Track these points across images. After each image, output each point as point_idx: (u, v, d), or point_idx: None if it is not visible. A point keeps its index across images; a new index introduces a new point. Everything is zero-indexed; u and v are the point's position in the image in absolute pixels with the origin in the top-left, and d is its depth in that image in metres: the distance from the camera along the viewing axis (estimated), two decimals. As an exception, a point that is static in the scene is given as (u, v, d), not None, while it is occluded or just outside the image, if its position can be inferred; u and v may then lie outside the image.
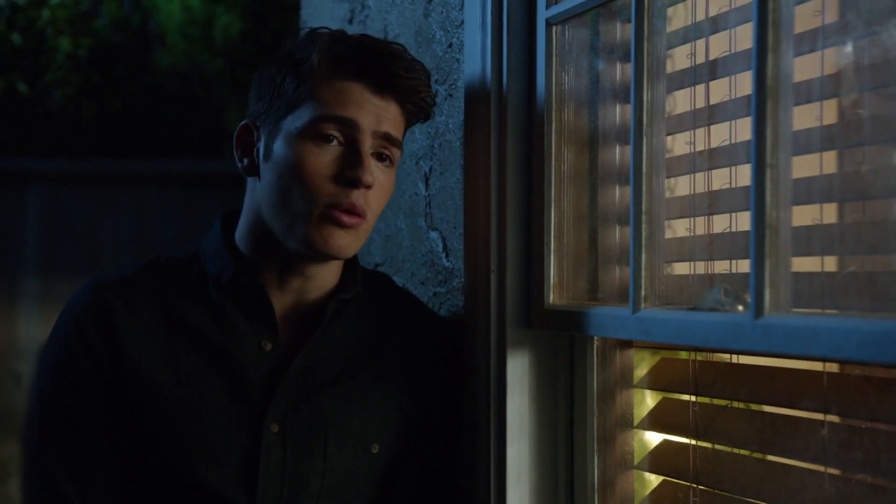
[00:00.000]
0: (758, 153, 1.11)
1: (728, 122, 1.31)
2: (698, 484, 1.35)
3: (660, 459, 1.46)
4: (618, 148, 1.55)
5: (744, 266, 1.27)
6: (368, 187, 1.51)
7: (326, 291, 1.62)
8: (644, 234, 1.34)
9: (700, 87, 1.37)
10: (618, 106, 1.56)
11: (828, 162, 1.15)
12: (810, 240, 1.14)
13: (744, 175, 1.28)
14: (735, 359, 1.35)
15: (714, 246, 1.33)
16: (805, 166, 1.15)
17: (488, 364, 1.62)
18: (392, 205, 2.06)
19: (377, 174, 1.54)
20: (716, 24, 1.34)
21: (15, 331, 4.42)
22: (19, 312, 4.43)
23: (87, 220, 4.54)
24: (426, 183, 1.91)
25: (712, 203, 1.33)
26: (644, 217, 1.34)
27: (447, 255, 1.82)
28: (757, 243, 1.11)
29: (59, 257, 4.49)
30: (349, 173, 1.50)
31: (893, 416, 1.08)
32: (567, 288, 1.57)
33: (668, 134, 1.41)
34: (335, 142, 1.52)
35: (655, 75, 1.36)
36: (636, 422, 1.53)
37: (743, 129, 1.28)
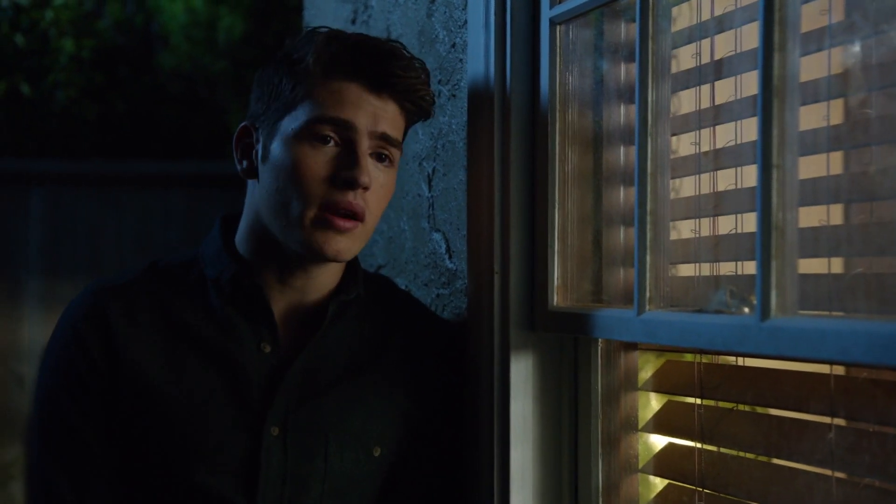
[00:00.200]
0: (764, 153, 1.10)
1: (734, 123, 1.31)
2: (704, 488, 1.34)
3: (665, 463, 1.45)
4: (622, 148, 1.55)
5: (750, 268, 1.26)
6: (365, 188, 1.50)
7: (327, 293, 1.61)
8: (649, 235, 1.33)
9: (705, 87, 1.36)
10: (622, 106, 1.55)
11: (835, 162, 1.14)
12: (817, 241, 1.13)
13: (750, 176, 1.27)
14: (741, 361, 1.34)
15: (720, 247, 1.32)
16: (812, 167, 1.15)
17: (491, 366, 1.61)
18: (395, 206, 2.05)
19: (376, 174, 1.53)
20: (721, 24, 1.33)
21: (17, 332, 4.41)
22: (22, 313, 4.42)
23: (90, 221, 4.53)
24: (429, 184, 1.90)
25: (718, 204, 1.32)
26: (649, 218, 1.33)
27: (450, 257, 1.81)
28: (763, 245, 1.10)
29: (62, 258, 4.48)
30: (345, 174, 1.49)
31: (902, 419, 1.07)
32: (571, 290, 1.56)
33: (673, 134, 1.40)
34: (332, 142, 1.51)
35: (660, 75, 1.35)
36: (641, 425, 1.52)
37: (749, 130, 1.28)
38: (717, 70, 1.33)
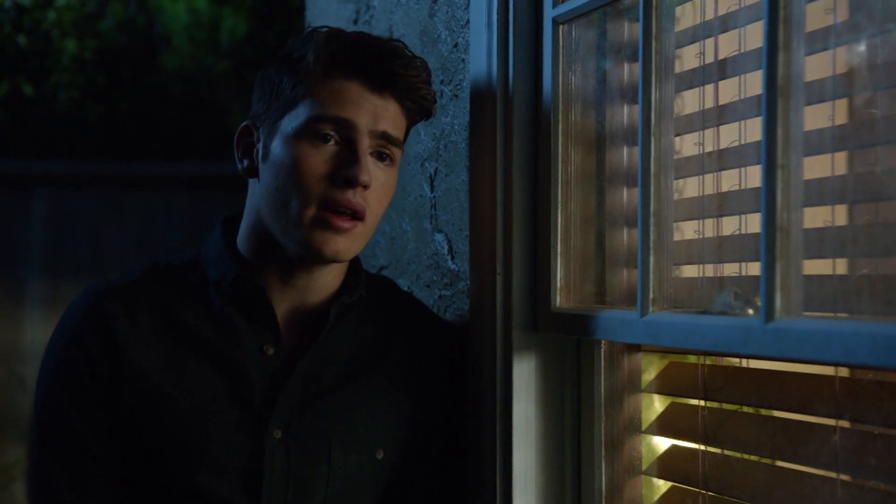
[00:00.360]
0: (768, 154, 1.09)
1: (738, 123, 1.30)
2: (707, 490, 1.34)
3: (668, 465, 1.44)
4: (625, 149, 1.54)
5: (754, 269, 1.25)
6: (365, 187, 1.50)
7: (329, 295, 1.61)
8: (652, 236, 1.33)
9: (709, 87, 1.35)
10: (625, 106, 1.54)
11: (840, 163, 1.13)
12: (822, 242, 1.13)
13: (754, 176, 1.26)
14: (745, 363, 1.33)
15: (724, 248, 1.32)
16: (817, 167, 1.14)
17: (494, 368, 1.60)
18: (397, 207, 2.05)
19: (376, 173, 1.52)
20: (725, 23, 1.32)
21: (20, 333, 4.42)
22: (24, 315, 4.43)
23: (93, 223, 4.54)
24: (431, 185, 1.90)
25: (722, 205, 1.32)
26: (652, 219, 1.33)
27: (453, 258, 1.80)
28: (767, 246, 1.09)
29: (64, 259, 4.49)
30: (345, 172, 1.49)
31: (907, 422, 1.06)
32: (574, 291, 1.55)
33: (677, 134, 1.40)
34: (332, 141, 1.51)
35: (664, 75, 1.34)
36: (644, 427, 1.51)
37: (753, 130, 1.27)
38: (721, 70, 1.33)
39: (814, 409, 1.18)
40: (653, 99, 1.33)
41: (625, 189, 1.54)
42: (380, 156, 1.54)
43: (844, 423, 1.14)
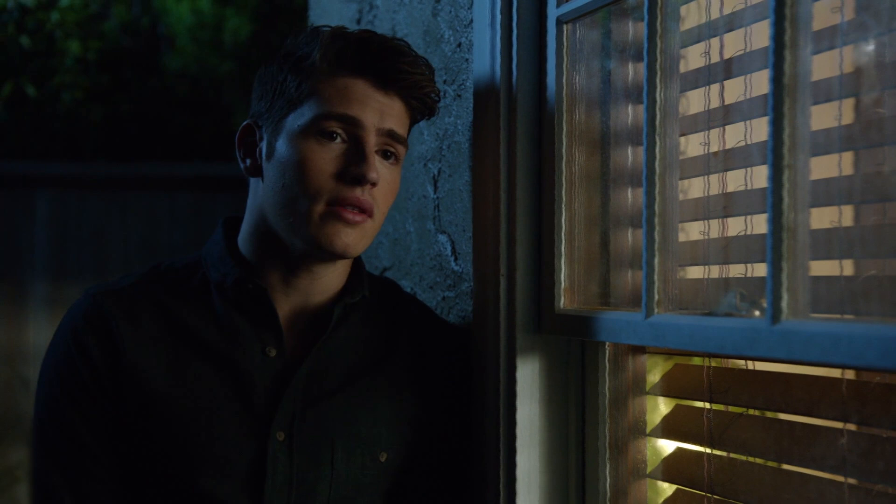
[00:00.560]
0: (775, 154, 1.08)
1: (743, 122, 1.29)
2: (713, 493, 1.33)
3: (673, 468, 1.43)
4: (630, 149, 1.53)
5: (760, 270, 1.25)
6: (374, 184, 1.49)
7: (332, 296, 1.60)
8: (657, 237, 1.32)
9: (715, 87, 1.35)
10: (630, 106, 1.53)
11: (847, 163, 1.12)
12: (829, 243, 1.12)
13: (760, 176, 1.26)
14: (751, 365, 1.32)
15: (729, 249, 1.31)
16: (823, 167, 1.13)
17: (498, 370, 1.60)
18: (400, 207, 2.04)
19: (383, 171, 1.52)
20: (731, 22, 1.31)
21: (23, 335, 4.42)
22: (27, 316, 4.43)
23: (96, 224, 4.54)
24: (435, 185, 1.89)
25: (727, 205, 1.31)
26: (657, 220, 1.32)
27: (456, 259, 1.80)
28: (774, 246, 1.08)
29: (68, 261, 4.49)
30: (353, 170, 1.48)
31: (916, 425, 1.05)
32: (578, 292, 1.55)
33: (682, 134, 1.39)
34: (339, 139, 1.50)
35: (669, 74, 1.34)
36: (649, 429, 1.51)
37: (759, 130, 1.26)
38: (727, 69, 1.32)
39: (820, 411, 1.17)
40: (658, 99, 1.33)
41: (629, 189, 1.53)
42: (385, 154, 1.54)
43: (852, 426, 1.13)
